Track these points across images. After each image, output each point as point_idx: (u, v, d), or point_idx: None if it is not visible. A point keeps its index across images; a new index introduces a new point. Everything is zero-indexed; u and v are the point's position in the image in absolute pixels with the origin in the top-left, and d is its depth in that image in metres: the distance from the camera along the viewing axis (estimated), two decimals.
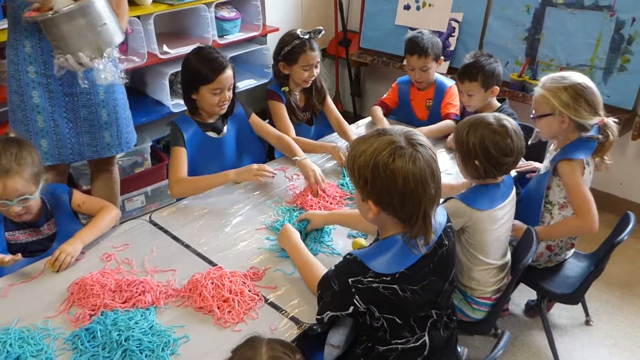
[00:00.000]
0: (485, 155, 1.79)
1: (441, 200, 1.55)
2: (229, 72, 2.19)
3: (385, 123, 2.70)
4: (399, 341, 1.45)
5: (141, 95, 3.37)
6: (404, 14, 3.71)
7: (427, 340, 1.47)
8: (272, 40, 3.60)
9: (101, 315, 1.56)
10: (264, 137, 2.47)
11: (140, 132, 3.29)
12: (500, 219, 1.87)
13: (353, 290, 1.37)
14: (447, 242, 1.48)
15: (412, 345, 1.46)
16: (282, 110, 2.57)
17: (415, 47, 2.68)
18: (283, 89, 2.60)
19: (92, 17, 1.98)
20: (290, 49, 2.50)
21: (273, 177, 2.14)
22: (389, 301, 1.38)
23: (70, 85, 2.21)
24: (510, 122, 1.82)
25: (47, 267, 1.77)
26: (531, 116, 2.12)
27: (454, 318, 1.62)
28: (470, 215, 1.82)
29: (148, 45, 3.01)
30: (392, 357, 1.46)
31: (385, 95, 2.90)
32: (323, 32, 2.54)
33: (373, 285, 1.36)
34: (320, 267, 1.63)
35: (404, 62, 2.93)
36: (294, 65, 2.53)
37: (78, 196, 1.98)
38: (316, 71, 2.56)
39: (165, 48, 3.11)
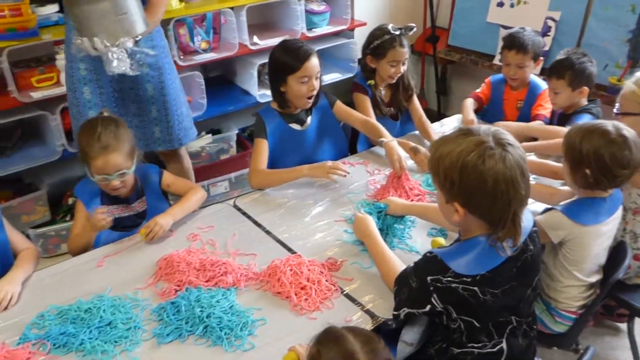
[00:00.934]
0: (598, 165, 1.67)
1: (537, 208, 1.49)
2: (314, 60, 2.20)
3: (472, 115, 2.64)
4: (475, 345, 1.42)
5: (230, 85, 3.48)
6: (497, 11, 3.60)
7: (505, 347, 1.43)
8: (359, 35, 3.62)
9: (185, 291, 1.64)
10: (349, 123, 2.47)
11: (227, 120, 3.42)
12: (602, 235, 1.77)
13: (431, 289, 1.36)
14: (532, 247, 1.43)
15: (489, 350, 1.43)
16: (367, 102, 2.57)
17: (515, 41, 2.59)
18: (369, 82, 2.61)
19: (114, 3, 1.98)
20: (380, 44, 2.50)
21: (345, 176, 2.13)
22: (468, 303, 1.35)
23: (120, 82, 2.26)
24: (630, 132, 1.68)
25: (139, 235, 1.87)
26: (615, 111, 1.99)
27: (534, 327, 1.57)
28: (571, 230, 1.72)
29: (240, 36, 3.11)
30: None
31: (479, 90, 2.82)
32: (415, 29, 2.52)
33: (452, 285, 1.35)
34: (398, 262, 1.63)
35: (499, 60, 2.85)
36: (381, 60, 2.53)
37: (168, 177, 2.09)
38: (403, 68, 2.55)
39: (255, 39, 3.20)
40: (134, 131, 2.24)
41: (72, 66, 2.24)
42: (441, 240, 1.83)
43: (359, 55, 3.55)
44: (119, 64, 2.03)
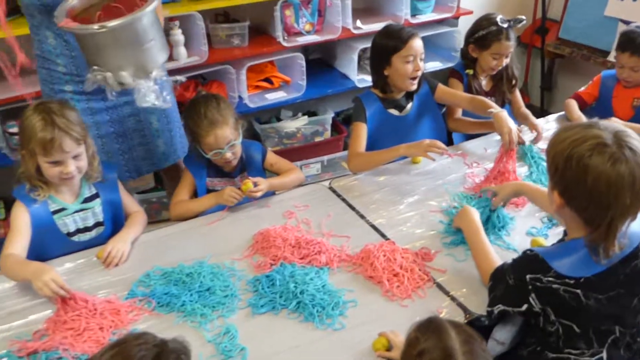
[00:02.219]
0: None
1: None
2: (418, 41, 2.19)
3: (578, 113, 2.51)
4: (573, 352, 1.36)
5: (329, 68, 3.50)
6: (617, 5, 3.37)
7: (605, 358, 1.36)
8: (464, 24, 3.50)
9: (280, 266, 1.69)
10: (454, 104, 2.43)
11: (323, 103, 3.45)
12: None
13: (530, 287, 1.32)
14: None
15: (587, 359, 1.36)
16: (459, 89, 2.52)
17: (630, 43, 2.42)
18: (467, 71, 2.55)
19: (140, 33, 1.73)
20: (484, 34, 2.43)
21: (442, 153, 2.07)
22: (569, 306, 1.30)
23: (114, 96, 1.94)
24: None
25: (242, 189, 1.93)
26: None
27: (638, 340, 1.48)
28: None
29: (343, 20, 3.11)
30: None
31: (583, 89, 2.67)
32: (524, 21, 2.42)
33: (553, 286, 1.29)
34: (496, 257, 1.58)
35: (613, 57, 2.67)
36: (484, 50, 2.47)
37: (271, 156, 2.15)
38: (506, 61, 2.48)
39: (358, 23, 3.19)
40: (137, 151, 2.13)
41: (54, 88, 1.99)
42: (541, 240, 1.76)
43: (462, 45, 3.47)
44: (149, 97, 1.80)
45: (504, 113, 2.14)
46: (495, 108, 2.19)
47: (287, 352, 1.43)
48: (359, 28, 3.16)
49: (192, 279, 1.65)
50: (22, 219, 1.72)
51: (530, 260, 1.36)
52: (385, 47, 2.22)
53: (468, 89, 2.54)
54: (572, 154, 1.24)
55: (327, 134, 3.38)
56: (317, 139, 3.35)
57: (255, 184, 1.94)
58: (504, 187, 1.84)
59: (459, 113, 2.52)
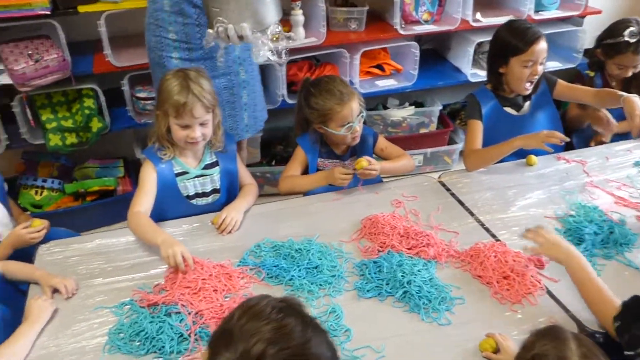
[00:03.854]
0: None
1: None
2: (542, 44, 2.09)
3: None
4: None
5: (441, 59, 3.43)
6: None
7: None
8: (590, 23, 3.32)
9: (387, 253, 1.69)
10: (577, 99, 2.33)
11: (431, 95, 3.39)
12: None
13: None
14: None
15: None
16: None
17: None
18: (587, 72, 2.48)
19: None
20: (612, 44, 2.32)
21: (561, 143, 1.99)
22: None
23: (212, 69, 2.04)
24: None
25: (356, 167, 1.95)
26: None
27: None
28: None
29: (463, 12, 3.03)
30: None
31: None
32: None
33: None
34: (611, 293, 1.42)
35: None
36: (608, 59, 2.41)
37: (382, 141, 2.16)
38: (633, 71, 2.37)
39: (478, 16, 3.09)
40: (226, 122, 2.12)
41: (162, 55, 2.06)
42: None
43: (586, 46, 3.28)
44: (265, 52, 1.79)
45: (635, 97, 2.03)
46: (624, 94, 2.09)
47: (391, 339, 1.43)
48: (478, 21, 3.07)
49: (301, 255, 1.69)
50: (150, 178, 1.83)
51: None
52: (506, 46, 2.14)
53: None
54: None
55: (433, 127, 3.32)
56: (422, 131, 3.30)
57: (370, 163, 1.95)
58: None
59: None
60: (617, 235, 1.74)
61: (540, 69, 2.13)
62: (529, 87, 2.17)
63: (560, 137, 1.97)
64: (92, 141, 2.61)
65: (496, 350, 1.37)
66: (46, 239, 1.80)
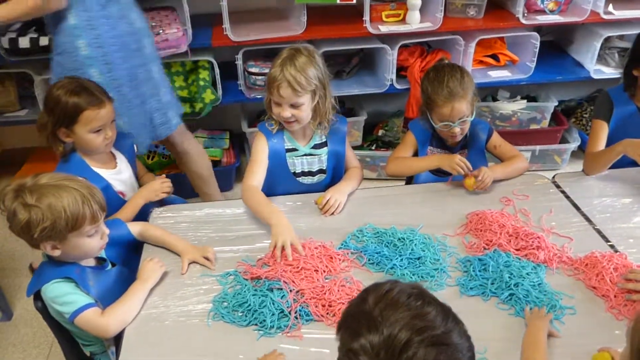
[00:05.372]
0: None
1: None
2: None
3: None
4: None
5: (561, 53, 3.23)
6: None
7: None
8: None
9: (494, 252, 1.62)
10: None
11: (546, 89, 3.22)
12: None
13: None
14: None
15: None
16: None
17: None
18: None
19: None
20: None
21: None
22: None
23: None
24: None
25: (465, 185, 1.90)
26: None
27: None
28: None
29: (594, 2, 2.82)
30: None
31: None
32: None
33: None
34: None
35: None
36: None
37: (496, 138, 2.06)
38: None
39: (610, 8, 2.87)
40: (136, 118, 2.13)
41: (72, 44, 1.99)
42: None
43: None
44: None
45: None
46: None
47: (493, 341, 1.37)
48: (609, 13, 2.84)
49: (403, 244, 1.66)
50: (263, 151, 1.87)
51: None
52: None
53: None
54: None
55: (545, 123, 3.14)
56: (533, 127, 3.14)
57: (477, 178, 1.87)
58: None
59: None
60: None
61: None
62: None
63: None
64: (205, 112, 2.71)
65: None
66: (163, 202, 1.90)
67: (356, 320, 0.91)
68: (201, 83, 2.67)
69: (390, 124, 3.16)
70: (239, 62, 2.69)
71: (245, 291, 1.50)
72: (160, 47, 2.48)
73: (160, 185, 1.94)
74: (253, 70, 2.74)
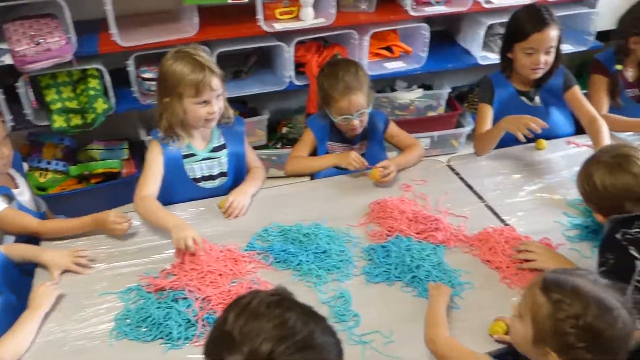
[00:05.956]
0: None
1: None
2: (548, 33, 2.01)
3: None
4: None
5: (451, 41, 3.37)
6: None
7: None
8: (603, 5, 3.24)
9: (396, 238, 1.67)
10: (576, 114, 2.22)
11: (440, 77, 3.35)
12: None
13: (625, 243, 1.35)
14: None
15: None
16: (603, 88, 2.34)
17: None
18: (617, 66, 2.33)
19: None
20: None
21: (540, 131, 1.90)
22: None
23: None
24: None
25: (371, 178, 1.93)
26: None
27: None
28: None
29: None
30: None
31: None
32: None
33: None
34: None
35: None
36: None
37: (393, 127, 2.13)
38: None
39: None
40: None
41: None
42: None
43: (598, 28, 3.21)
44: None
45: None
46: None
47: (400, 324, 1.42)
48: (490, 2, 3.00)
49: (309, 240, 1.68)
50: (157, 159, 1.81)
51: (612, 227, 1.41)
52: (510, 32, 2.11)
53: (614, 84, 2.33)
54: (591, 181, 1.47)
55: (441, 110, 3.28)
56: (430, 114, 3.27)
57: (384, 169, 1.91)
58: None
59: (604, 110, 2.32)
60: None
61: (543, 59, 2.04)
62: (535, 74, 2.10)
63: (541, 124, 1.90)
64: (97, 122, 2.59)
65: (507, 332, 1.36)
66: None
67: (216, 344, 0.90)
68: (91, 92, 2.55)
69: (293, 121, 3.18)
70: (131, 68, 2.59)
71: (148, 305, 1.45)
72: (42, 57, 2.34)
73: (112, 222, 1.68)
74: (147, 75, 2.65)
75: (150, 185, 1.78)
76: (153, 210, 1.72)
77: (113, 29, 2.48)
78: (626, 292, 1.20)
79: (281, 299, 0.92)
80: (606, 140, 2.00)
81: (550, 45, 2.05)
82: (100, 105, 2.56)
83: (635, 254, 1.33)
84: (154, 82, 2.63)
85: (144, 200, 1.74)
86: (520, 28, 2.05)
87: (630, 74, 2.37)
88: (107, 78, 2.58)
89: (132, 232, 1.75)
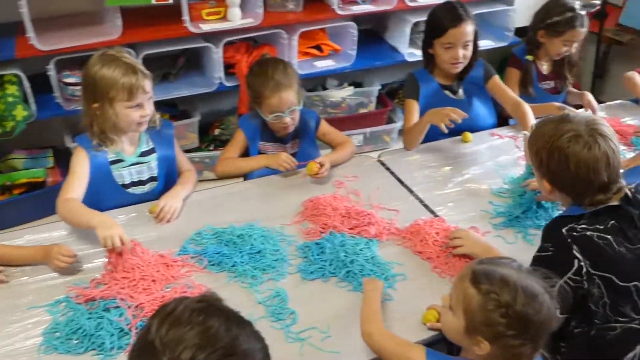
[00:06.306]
0: None
1: None
2: (464, 28, 2.09)
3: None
4: (620, 319, 1.34)
5: (379, 40, 3.45)
6: None
7: None
8: (520, 2, 3.40)
9: (330, 234, 1.69)
10: (500, 101, 2.34)
11: (370, 75, 3.41)
12: None
13: (569, 240, 1.35)
14: None
15: (633, 326, 1.34)
16: (515, 79, 2.47)
17: None
18: (527, 57, 2.47)
19: None
20: (559, 21, 2.34)
21: (460, 121, 1.96)
22: (604, 254, 1.33)
23: None
24: None
25: (307, 172, 1.94)
26: None
27: None
28: None
29: None
30: (609, 338, 1.35)
31: None
32: (598, 7, 2.32)
33: (587, 233, 1.35)
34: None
35: None
36: (555, 37, 2.39)
37: (324, 126, 2.15)
38: (575, 46, 2.42)
39: None
40: None
41: None
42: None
43: (517, 24, 3.37)
44: None
45: None
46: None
47: (336, 319, 1.44)
48: (414, 1, 3.09)
49: (243, 241, 1.67)
50: (82, 165, 1.75)
51: (557, 220, 1.44)
52: (429, 29, 2.19)
53: (525, 74, 2.47)
54: (553, 147, 1.40)
55: (372, 106, 3.35)
56: (362, 111, 3.33)
57: (320, 165, 1.93)
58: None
59: None
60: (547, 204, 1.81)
61: (461, 53, 2.13)
62: (455, 68, 2.18)
63: (461, 114, 1.97)
64: (17, 130, 2.48)
65: (439, 320, 1.41)
66: None
67: (140, 355, 0.89)
68: (9, 99, 2.43)
69: (226, 122, 3.15)
70: (52, 73, 2.49)
71: (78, 316, 1.41)
72: None
73: (55, 258, 1.55)
74: (70, 80, 2.56)
75: (74, 189, 1.71)
76: (77, 211, 1.64)
77: (30, 32, 2.38)
78: (551, 278, 1.22)
79: (206, 306, 0.91)
80: (532, 120, 2.13)
81: (467, 39, 2.13)
82: (20, 113, 2.45)
83: (577, 254, 1.34)
84: (78, 87, 2.54)
85: (66, 203, 1.67)
86: (437, 24, 2.13)
87: (544, 67, 2.51)
88: (26, 84, 2.47)
89: (59, 242, 1.68)
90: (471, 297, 1.18)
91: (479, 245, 1.61)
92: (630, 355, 1.36)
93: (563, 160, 1.38)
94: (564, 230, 1.37)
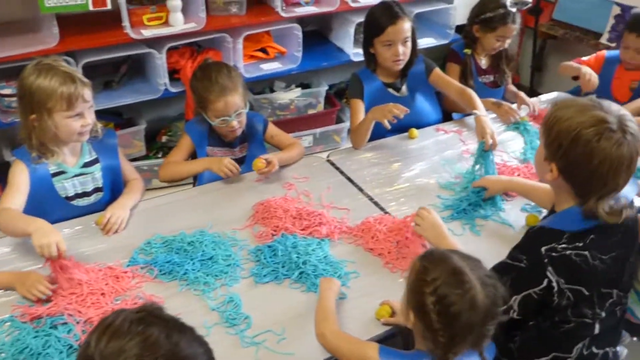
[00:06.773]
0: None
1: None
2: (401, 25, 2.14)
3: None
4: (581, 319, 1.37)
5: (325, 41, 3.47)
6: None
7: (601, 322, 1.39)
8: (460, 0, 3.50)
9: (281, 236, 1.70)
10: (445, 91, 2.40)
11: (317, 76, 3.43)
12: None
13: (546, 260, 1.31)
14: (632, 215, 1.39)
15: (586, 321, 1.38)
16: (455, 73, 2.55)
17: (638, 25, 2.44)
18: (465, 50, 2.56)
19: None
20: (492, 17, 2.44)
21: (402, 116, 2.00)
22: (580, 270, 1.32)
23: None
24: None
25: (254, 169, 1.94)
26: None
27: (625, 302, 1.51)
28: None
29: None
30: (563, 330, 1.38)
31: (585, 59, 2.63)
32: (530, 4, 2.42)
33: (567, 252, 1.31)
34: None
35: (606, 39, 2.69)
36: (488, 33, 2.49)
37: (272, 128, 2.14)
38: (508, 42, 2.51)
39: None
40: None
41: None
42: (537, 217, 1.80)
43: (457, 22, 3.46)
44: None
45: (486, 118, 2.14)
46: (481, 110, 2.19)
47: (291, 321, 1.45)
48: (356, 1, 3.12)
49: (194, 248, 1.65)
50: (20, 177, 1.70)
51: (539, 234, 1.37)
52: (368, 28, 2.23)
53: (464, 68, 2.54)
54: (579, 135, 1.28)
55: (321, 107, 3.36)
56: (310, 112, 3.34)
57: (267, 162, 1.92)
58: (494, 182, 1.88)
59: None
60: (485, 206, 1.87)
61: (401, 50, 2.18)
62: (397, 65, 2.23)
63: (402, 109, 2.01)
64: None
65: (392, 315, 1.44)
66: None
67: None
68: None
69: (173, 128, 3.11)
70: None
71: (24, 335, 1.36)
72: None
73: (29, 288, 1.47)
74: (6, 92, 2.46)
75: (13, 200, 1.65)
76: (14, 218, 1.59)
77: None
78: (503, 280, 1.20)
79: (145, 315, 0.90)
80: (479, 102, 2.21)
81: (405, 36, 2.18)
82: None
83: (550, 275, 1.31)
84: (14, 99, 2.45)
85: (3, 212, 1.61)
86: (376, 24, 2.17)
87: (483, 61, 2.59)
88: None
89: (2, 260, 1.62)
90: (412, 269, 1.21)
91: (432, 231, 1.60)
92: (580, 345, 1.39)
93: (587, 153, 1.27)
94: (543, 249, 1.32)
